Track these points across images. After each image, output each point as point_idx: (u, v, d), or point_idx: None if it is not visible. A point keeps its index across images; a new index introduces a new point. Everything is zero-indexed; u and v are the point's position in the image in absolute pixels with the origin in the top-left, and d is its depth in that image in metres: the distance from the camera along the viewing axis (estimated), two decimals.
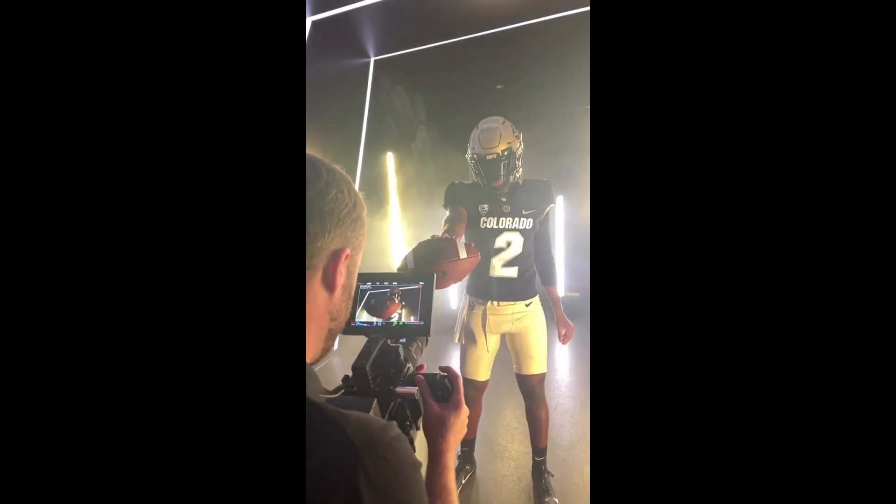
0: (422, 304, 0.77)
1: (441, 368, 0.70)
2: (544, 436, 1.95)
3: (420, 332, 0.76)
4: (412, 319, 0.76)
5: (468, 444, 2.10)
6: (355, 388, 0.63)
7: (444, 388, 0.67)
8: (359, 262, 0.50)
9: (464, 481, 2.06)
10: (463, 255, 1.25)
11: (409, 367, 0.70)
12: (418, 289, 0.78)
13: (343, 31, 4.10)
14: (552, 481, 1.97)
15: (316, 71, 3.86)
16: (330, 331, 0.48)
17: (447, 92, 4.69)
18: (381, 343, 0.68)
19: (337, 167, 0.46)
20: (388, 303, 0.77)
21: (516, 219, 1.77)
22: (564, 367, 3.36)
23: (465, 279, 1.89)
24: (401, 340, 0.75)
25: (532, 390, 1.89)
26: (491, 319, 1.82)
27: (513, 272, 1.79)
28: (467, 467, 2.09)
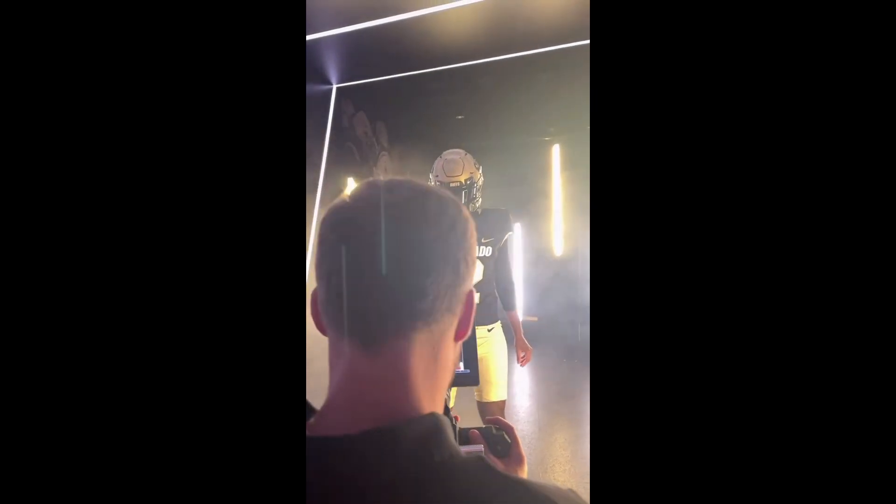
0: (465, 349, 0.68)
1: (489, 421, 0.64)
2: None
3: (467, 381, 0.68)
4: (458, 367, 0.69)
5: None
6: None
7: (502, 442, 0.61)
8: None
9: None
10: None
11: (456, 422, 0.63)
12: None
13: (307, 58, 4.12)
14: None
15: None
16: (447, 382, 0.41)
17: (410, 120, 4.77)
18: None
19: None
20: None
21: (477, 247, 1.82)
22: (524, 392, 3.39)
23: None
24: None
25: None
26: None
27: (475, 298, 1.83)
28: None
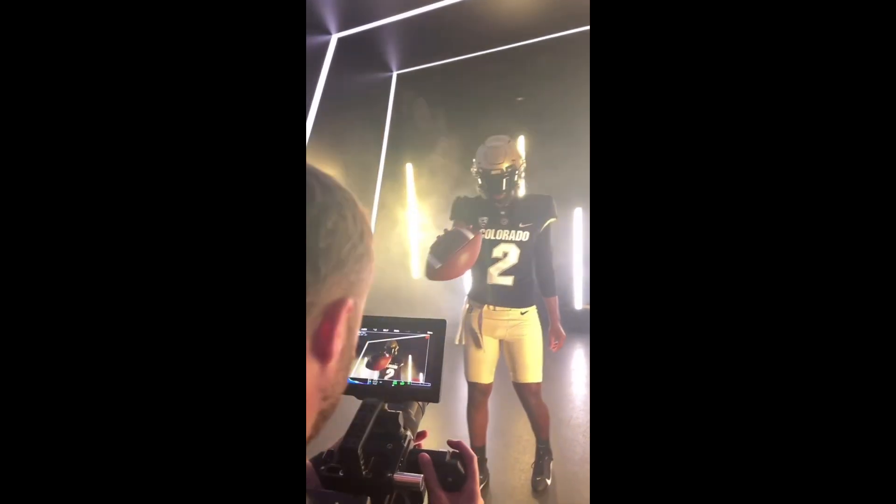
0: (429, 360, 0.60)
1: (450, 444, 0.56)
2: (545, 431, 2.09)
3: (425, 396, 0.59)
4: (417, 379, 0.60)
5: (478, 451, 2.11)
6: (341, 473, 0.49)
7: (455, 472, 0.52)
8: (361, 314, 0.37)
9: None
10: (470, 235, 1.64)
11: (409, 440, 0.55)
12: (425, 339, 0.61)
13: (367, 47, 4.21)
14: (552, 464, 2.09)
15: (340, 85, 3.98)
16: (320, 413, 0.35)
17: (469, 105, 4.74)
18: (377, 412, 0.53)
19: (337, 183, 0.35)
20: (384, 354, 0.61)
21: (513, 231, 1.89)
22: (581, 381, 3.33)
23: (468, 284, 2.03)
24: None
25: (528, 402, 1.98)
26: (486, 322, 1.93)
27: (508, 280, 1.91)
28: (480, 477, 2.10)
